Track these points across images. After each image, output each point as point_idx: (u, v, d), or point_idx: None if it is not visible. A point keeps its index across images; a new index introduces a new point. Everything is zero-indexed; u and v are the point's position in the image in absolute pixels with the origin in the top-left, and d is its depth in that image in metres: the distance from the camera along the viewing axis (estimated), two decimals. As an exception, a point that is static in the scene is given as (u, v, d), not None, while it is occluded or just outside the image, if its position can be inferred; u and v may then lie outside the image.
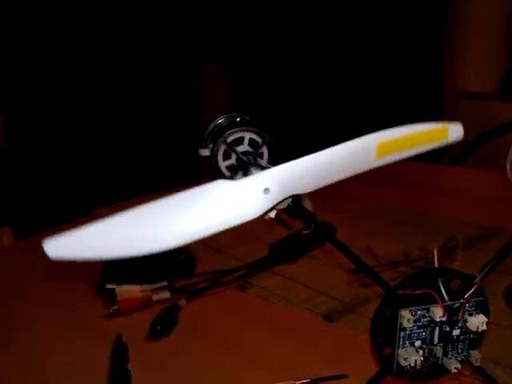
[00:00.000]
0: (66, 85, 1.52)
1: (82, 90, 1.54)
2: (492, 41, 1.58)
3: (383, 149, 0.26)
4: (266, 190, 0.24)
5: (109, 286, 0.48)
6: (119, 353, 0.41)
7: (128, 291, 0.48)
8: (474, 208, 0.73)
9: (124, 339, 0.42)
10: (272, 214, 0.25)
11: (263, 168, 0.26)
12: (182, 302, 0.48)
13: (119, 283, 0.49)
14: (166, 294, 0.49)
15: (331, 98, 1.78)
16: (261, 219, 0.25)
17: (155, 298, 0.49)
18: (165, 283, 0.50)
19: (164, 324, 0.45)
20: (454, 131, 0.27)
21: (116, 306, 0.47)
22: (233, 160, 0.27)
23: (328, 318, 0.47)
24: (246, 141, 0.26)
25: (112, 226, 0.22)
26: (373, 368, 0.31)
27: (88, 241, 0.22)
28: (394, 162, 0.26)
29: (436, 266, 0.30)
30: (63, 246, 0.22)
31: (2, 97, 1.30)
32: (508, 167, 0.34)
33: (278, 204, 0.25)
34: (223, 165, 0.27)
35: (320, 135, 1.71)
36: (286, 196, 0.25)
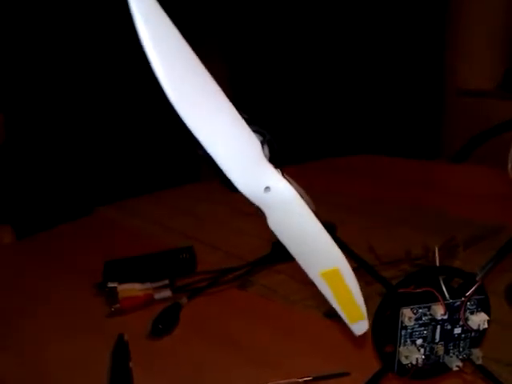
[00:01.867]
0: (67, 82, 1.52)
1: (82, 89, 1.54)
2: (492, 39, 1.58)
3: (330, 275, 0.27)
4: (267, 189, 0.24)
5: (110, 284, 0.48)
6: (121, 351, 0.41)
7: (129, 290, 0.49)
8: (475, 206, 0.73)
9: (126, 337, 0.42)
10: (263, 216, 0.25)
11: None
12: (184, 300, 0.48)
13: (121, 282, 0.49)
14: (168, 293, 0.49)
15: (331, 97, 1.78)
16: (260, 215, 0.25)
17: (157, 296, 0.49)
18: (166, 282, 0.50)
19: (166, 322, 0.45)
20: (361, 325, 0.28)
21: (118, 305, 0.47)
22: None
23: (329, 315, 0.47)
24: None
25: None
26: (374, 366, 0.31)
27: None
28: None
29: (437, 264, 0.30)
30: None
31: (2, 96, 1.30)
32: (509, 165, 0.34)
33: (257, 208, 0.25)
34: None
35: (320, 132, 1.71)
36: (264, 211, 0.25)
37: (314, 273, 0.26)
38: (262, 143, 0.26)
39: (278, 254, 0.56)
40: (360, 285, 0.50)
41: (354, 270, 0.50)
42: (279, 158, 0.26)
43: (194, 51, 0.23)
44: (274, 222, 0.24)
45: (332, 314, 0.47)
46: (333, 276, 0.26)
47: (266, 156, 0.26)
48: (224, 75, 1.78)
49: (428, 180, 0.89)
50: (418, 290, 0.29)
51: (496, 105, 1.50)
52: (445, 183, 0.90)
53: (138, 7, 0.20)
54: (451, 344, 0.30)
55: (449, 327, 0.30)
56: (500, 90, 1.56)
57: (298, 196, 0.24)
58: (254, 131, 0.26)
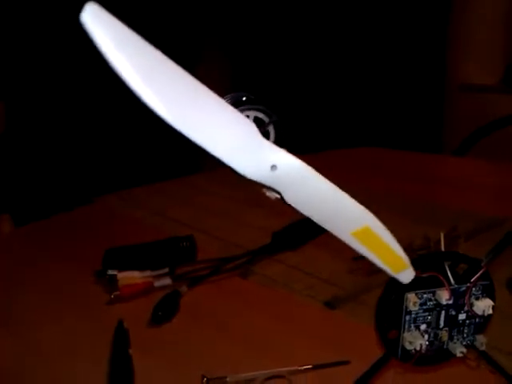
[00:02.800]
0: (67, 73, 1.52)
1: (83, 79, 1.54)
2: (494, 34, 1.58)
3: (362, 234, 0.26)
4: (274, 167, 0.23)
5: (110, 272, 0.48)
6: (121, 338, 0.41)
7: (129, 277, 0.48)
8: (476, 199, 0.73)
9: (125, 325, 0.42)
10: (279, 195, 0.24)
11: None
12: (184, 288, 0.48)
13: (120, 270, 0.49)
14: (168, 281, 0.49)
15: (334, 91, 1.78)
16: (267, 195, 0.24)
17: (157, 284, 0.49)
18: (166, 270, 0.50)
19: (165, 310, 0.45)
20: (407, 273, 0.28)
21: (117, 292, 0.47)
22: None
23: (330, 305, 0.46)
24: (252, 119, 0.26)
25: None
26: (375, 354, 0.30)
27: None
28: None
29: (443, 249, 0.30)
30: (102, 21, 0.19)
31: (2, 84, 1.29)
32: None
33: (265, 187, 0.24)
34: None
35: (322, 125, 1.71)
36: (278, 189, 0.24)
37: (346, 235, 0.26)
38: (268, 124, 0.26)
39: (279, 244, 0.56)
40: (360, 275, 0.50)
41: (357, 259, 0.50)
42: (286, 137, 0.25)
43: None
44: (291, 197, 0.24)
45: (333, 304, 0.47)
46: (365, 234, 0.26)
47: (272, 137, 0.26)
48: (227, 70, 1.78)
49: (429, 173, 0.89)
50: (423, 275, 0.29)
51: (497, 99, 1.50)
52: (446, 176, 0.90)
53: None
54: (455, 330, 0.30)
55: (453, 313, 0.30)
56: (502, 85, 1.56)
57: (306, 165, 0.24)
58: (261, 111, 0.25)
